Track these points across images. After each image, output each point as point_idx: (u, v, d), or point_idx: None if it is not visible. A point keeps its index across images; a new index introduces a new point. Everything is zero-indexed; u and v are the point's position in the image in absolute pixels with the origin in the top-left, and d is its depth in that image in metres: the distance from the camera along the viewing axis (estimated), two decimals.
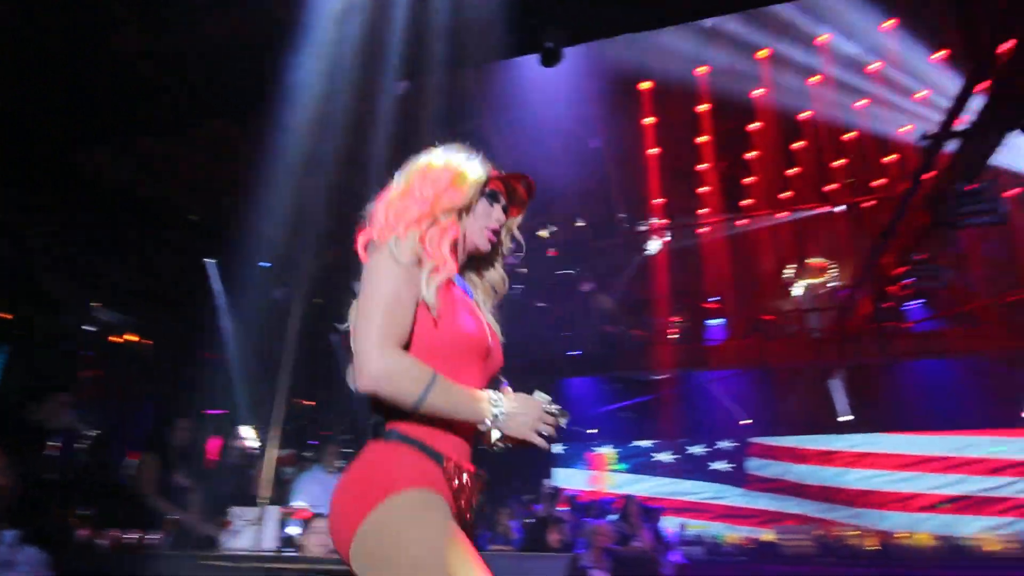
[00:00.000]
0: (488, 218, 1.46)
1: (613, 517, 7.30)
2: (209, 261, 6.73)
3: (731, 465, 10.45)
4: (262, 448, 5.41)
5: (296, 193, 4.90)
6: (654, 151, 7.83)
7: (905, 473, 9.63)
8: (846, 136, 7.95)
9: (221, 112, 5.11)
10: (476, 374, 1.35)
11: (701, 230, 7.92)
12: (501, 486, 9.00)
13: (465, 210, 1.42)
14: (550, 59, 4.10)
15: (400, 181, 1.43)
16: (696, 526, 10.34)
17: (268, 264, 5.84)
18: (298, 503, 3.81)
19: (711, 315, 8.80)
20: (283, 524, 3.32)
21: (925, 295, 6.21)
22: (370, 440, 1.28)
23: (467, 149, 1.48)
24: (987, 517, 8.82)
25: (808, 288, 9.27)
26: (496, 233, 1.48)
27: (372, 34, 4.25)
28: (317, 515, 3.51)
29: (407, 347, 1.26)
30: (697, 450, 10.64)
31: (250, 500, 4.25)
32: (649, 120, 7.70)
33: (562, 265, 7.75)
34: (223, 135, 5.70)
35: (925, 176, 4.58)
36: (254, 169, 5.00)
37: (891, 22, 7.08)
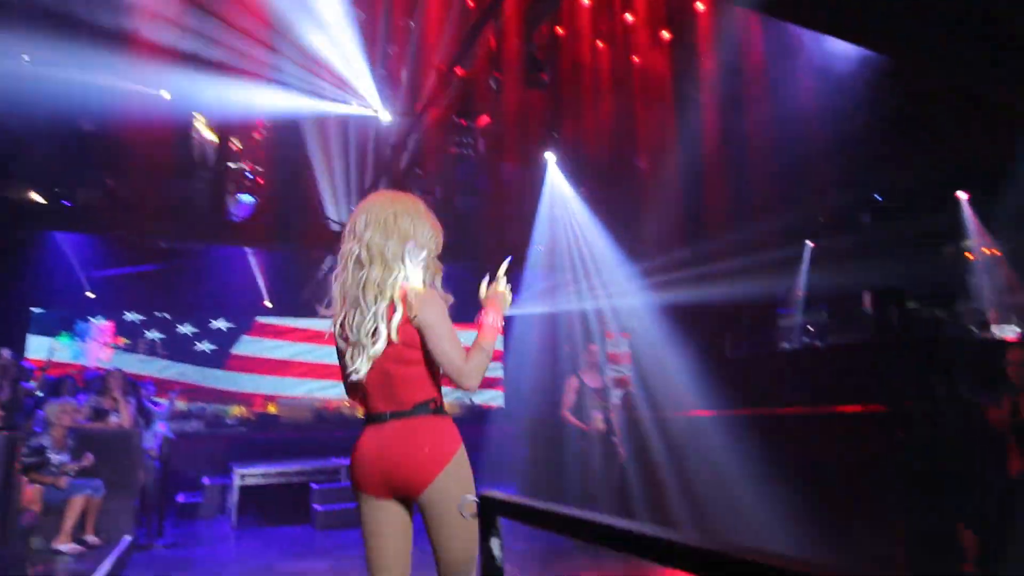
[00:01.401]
0: None
1: (88, 395, 6.60)
2: None
3: (215, 346, 10.47)
4: None
5: None
6: None
7: None
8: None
9: None
10: None
11: None
12: None
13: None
14: None
15: (391, 224, 1.95)
16: (202, 403, 10.24)
17: None
18: None
19: (242, 188, 8.41)
20: None
21: None
22: (423, 415, 1.91)
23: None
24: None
25: None
26: None
27: None
28: None
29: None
30: (187, 329, 10.27)
31: None
32: None
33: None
34: None
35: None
36: None
37: None
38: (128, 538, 5.51)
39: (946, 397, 4.61)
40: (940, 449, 4.11)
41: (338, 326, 1.96)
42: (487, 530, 1.35)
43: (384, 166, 7.12)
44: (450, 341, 1.88)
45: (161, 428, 7.09)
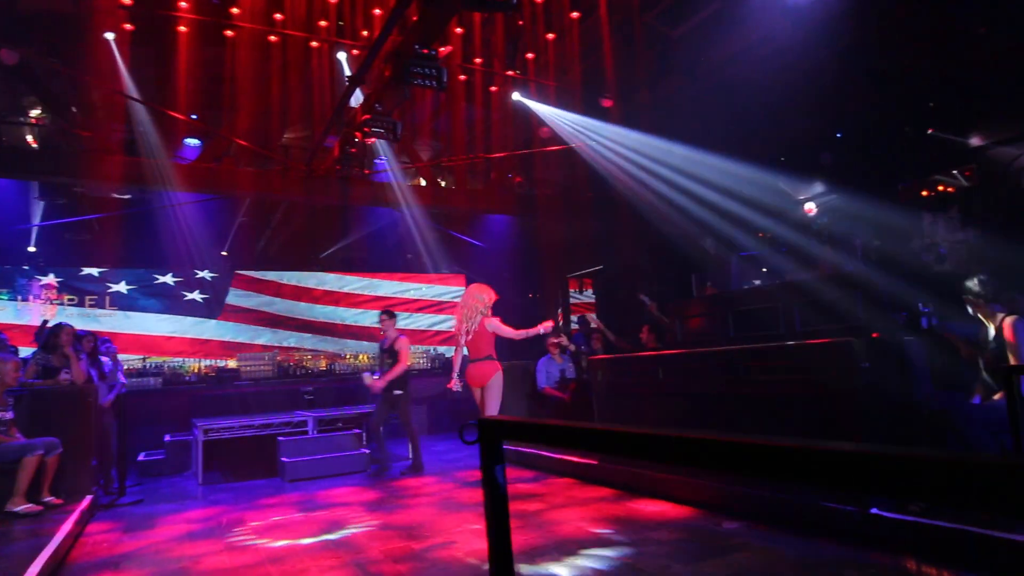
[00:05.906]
0: None
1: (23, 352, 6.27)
2: None
3: (205, 296, 10.39)
4: None
5: None
6: None
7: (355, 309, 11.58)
8: None
9: None
10: None
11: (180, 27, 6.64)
12: None
13: None
14: None
15: (476, 298, 5.85)
16: (158, 360, 10.01)
17: None
18: None
19: (188, 131, 7.87)
20: None
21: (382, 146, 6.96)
22: (488, 360, 5.76)
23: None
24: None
25: None
26: None
27: None
28: None
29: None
30: (168, 280, 10.13)
31: None
32: None
33: None
34: None
35: (394, 34, 4.98)
36: None
37: None
38: (89, 497, 5.31)
39: (908, 328, 4.72)
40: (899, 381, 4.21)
41: (460, 329, 5.77)
42: (490, 456, 1.26)
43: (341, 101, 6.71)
44: (502, 332, 5.73)
45: (120, 379, 6.86)
